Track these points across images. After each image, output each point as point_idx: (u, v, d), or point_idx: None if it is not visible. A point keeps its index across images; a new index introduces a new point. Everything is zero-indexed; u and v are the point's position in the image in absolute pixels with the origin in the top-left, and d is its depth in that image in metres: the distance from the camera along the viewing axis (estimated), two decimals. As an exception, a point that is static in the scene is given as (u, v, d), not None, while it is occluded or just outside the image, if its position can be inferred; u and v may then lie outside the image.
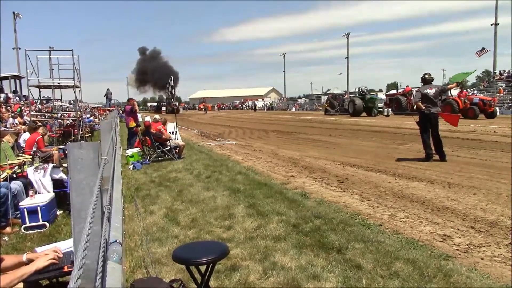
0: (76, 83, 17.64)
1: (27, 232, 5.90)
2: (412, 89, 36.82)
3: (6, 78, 32.37)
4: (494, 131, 17.15)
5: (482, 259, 4.31)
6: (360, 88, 39.74)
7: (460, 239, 4.88)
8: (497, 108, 29.79)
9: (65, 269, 2.55)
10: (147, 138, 12.58)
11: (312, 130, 21.96)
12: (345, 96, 46.79)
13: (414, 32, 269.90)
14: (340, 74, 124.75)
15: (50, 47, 20.68)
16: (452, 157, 10.51)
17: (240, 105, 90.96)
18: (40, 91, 19.92)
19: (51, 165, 7.44)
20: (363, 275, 3.90)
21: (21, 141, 11.35)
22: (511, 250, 4.51)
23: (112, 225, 2.65)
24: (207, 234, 5.39)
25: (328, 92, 61.99)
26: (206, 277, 3.01)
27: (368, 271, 3.99)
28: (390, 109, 35.08)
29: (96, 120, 30.10)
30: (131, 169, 10.99)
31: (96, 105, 51.66)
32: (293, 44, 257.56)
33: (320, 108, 57.52)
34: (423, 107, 10.01)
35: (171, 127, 14.81)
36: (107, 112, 37.38)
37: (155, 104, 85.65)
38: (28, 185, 6.84)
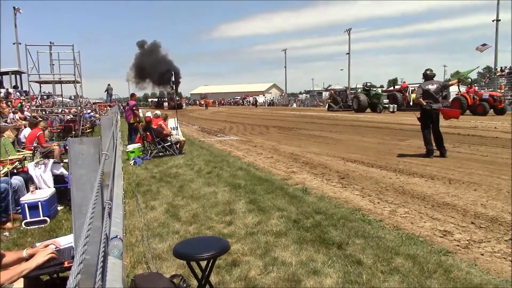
0: (76, 79, 17.62)
1: (28, 227, 5.91)
2: (409, 85, 36.69)
3: (6, 73, 32.29)
4: (495, 127, 17.12)
5: (482, 254, 4.32)
6: (365, 84, 38.88)
7: (460, 235, 4.88)
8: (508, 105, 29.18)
9: (66, 264, 2.55)
10: (148, 133, 12.58)
11: (313, 126, 21.95)
12: (348, 92, 46.48)
13: (415, 28, 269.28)
14: (342, 70, 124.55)
15: (50, 42, 20.65)
16: (452, 153, 10.51)
17: (241, 101, 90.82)
18: (40, 86, 19.88)
19: (51, 160, 7.44)
20: (364, 270, 3.91)
21: (22, 136, 11.35)
22: (512, 246, 4.52)
23: (113, 221, 2.64)
24: (207, 229, 5.39)
25: (329, 88, 61.86)
26: (206, 273, 3.02)
27: (369, 266, 4.00)
28: (395, 105, 34.30)
29: (97, 115, 30.11)
30: (132, 164, 10.99)
31: (97, 101, 51.57)
32: (294, 40, 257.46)
33: (321, 104, 57.45)
34: (425, 103, 9.99)
35: (172, 122, 14.81)
36: (108, 108, 37.36)
37: (156, 99, 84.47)
38: (28, 181, 6.85)
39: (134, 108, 15.11)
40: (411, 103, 33.41)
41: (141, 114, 15.87)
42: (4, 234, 5.67)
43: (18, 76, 33.41)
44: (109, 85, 45.55)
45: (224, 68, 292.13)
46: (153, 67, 76.87)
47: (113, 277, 1.80)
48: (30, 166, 7.08)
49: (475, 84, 30.63)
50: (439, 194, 6.72)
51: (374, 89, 38.01)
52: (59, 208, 6.72)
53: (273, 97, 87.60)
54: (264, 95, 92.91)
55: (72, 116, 20.40)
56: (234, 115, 40.80)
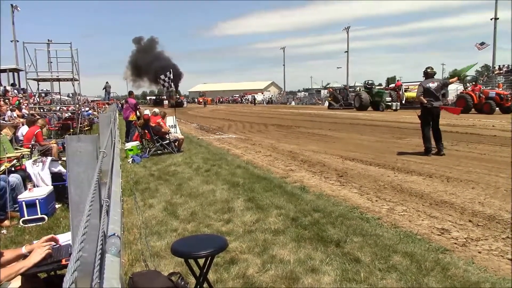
0: (74, 76, 17.60)
1: (26, 225, 5.90)
2: (403, 84, 36.54)
3: (4, 71, 32.25)
4: (493, 126, 17.14)
5: (479, 252, 4.33)
6: (366, 82, 38.32)
7: (458, 233, 4.89)
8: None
9: (63, 262, 2.55)
10: (146, 131, 12.57)
11: (311, 124, 21.94)
12: (347, 90, 46.15)
13: (413, 27, 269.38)
14: (339, 68, 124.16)
15: (48, 40, 20.59)
16: (450, 151, 10.52)
17: (239, 99, 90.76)
18: (38, 84, 19.85)
19: (49, 158, 7.43)
20: (361, 268, 3.91)
21: (19, 134, 11.33)
22: (511, 243, 4.52)
23: (111, 218, 2.64)
24: (206, 227, 5.40)
25: (328, 86, 61.79)
26: (204, 270, 3.02)
27: (367, 264, 4.00)
28: (398, 103, 33.65)
29: (95, 113, 30.06)
30: (130, 162, 10.99)
31: (95, 99, 51.48)
32: (293, 38, 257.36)
33: (320, 102, 57.44)
34: (426, 101, 9.99)
35: (170, 120, 14.79)
36: (106, 106, 37.30)
37: (154, 97, 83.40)
38: (26, 178, 6.84)
39: (138, 106, 15.20)
40: (403, 101, 33.35)
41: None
42: (2, 232, 5.66)
43: (16, 74, 33.38)
44: (107, 83, 45.59)
45: (223, 66, 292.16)
46: (150, 64, 74.75)
47: (111, 274, 1.80)
48: (28, 164, 7.07)
49: (473, 83, 30.49)
50: (437, 192, 6.73)
51: (376, 87, 37.47)
52: (57, 206, 6.71)
53: (272, 95, 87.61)
54: (262, 93, 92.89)
55: (70, 114, 20.40)
56: (232, 113, 40.77)
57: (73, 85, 18.25)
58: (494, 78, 40.59)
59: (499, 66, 43.43)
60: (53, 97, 27.45)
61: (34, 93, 21.16)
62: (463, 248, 4.44)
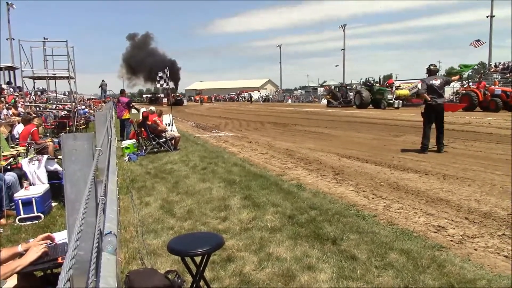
0: (70, 74, 17.56)
1: (22, 223, 5.88)
2: (394, 82, 36.37)
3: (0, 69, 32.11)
4: (489, 123, 17.20)
5: (475, 249, 4.35)
6: (367, 79, 37.37)
7: (454, 230, 4.91)
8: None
9: (59, 260, 2.54)
10: (143, 129, 12.54)
11: (308, 122, 21.97)
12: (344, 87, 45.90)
13: (410, 24, 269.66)
14: (336, 66, 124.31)
15: (44, 38, 20.52)
16: (447, 148, 10.55)
17: (236, 97, 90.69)
18: (34, 82, 19.81)
19: (45, 156, 7.41)
20: (358, 265, 3.92)
21: (15, 132, 11.28)
22: (511, 241, 4.54)
23: (107, 217, 2.64)
24: (202, 225, 5.39)
25: (325, 84, 61.85)
26: (201, 268, 3.02)
27: (363, 261, 4.01)
28: (400, 101, 33.09)
29: (91, 111, 29.95)
30: (126, 160, 10.97)
31: (91, 97, 51.29)
32: (289, 36, 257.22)
33: (316, 100, 57.45)
34: (429, 98, 10.00)
35: (166, 118, 14.78)
36: (102, 104, 37.18)
37: (149, 95, 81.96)
38: (22, 177, 6.81)
39: (131, 104, 15.15)
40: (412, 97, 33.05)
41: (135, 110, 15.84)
42: (-2, 230, 5.64)
43: (11, 72, 33.24)
44: (103, 81, 45.21)
45: (219, 64, 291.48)
46: (145, 61, 72.62)
47: (107, 273, 1.80)
48: (24, 162, 7.04)
49: (470, 80, 30.53)
50: (433, 189, 6.75)
51: (377, 84, 36.82)
52: (53, 204, 6.69)
53: (268, 93, 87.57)
54: (259, 91, 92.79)
55: (66, 112, 20.33)
56: (229, 111, 40.75)
57: (69, 83, 18.23)
58: (490, 75, 40.70)
59: (495, 63, 43.55)
60: (49, 95, 27.35)
61: (30, 91, 21.12)
62: (459, 245, 4.46)
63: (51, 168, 7.25)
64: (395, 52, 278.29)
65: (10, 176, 6.43)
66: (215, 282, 3.76)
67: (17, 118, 14.54)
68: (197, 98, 77.87)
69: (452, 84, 28.05)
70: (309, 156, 10.51)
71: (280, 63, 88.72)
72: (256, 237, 4.79)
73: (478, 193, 6.41)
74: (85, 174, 1.97)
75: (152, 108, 14.10)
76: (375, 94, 34.38)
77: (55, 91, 23.66)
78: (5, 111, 16.46)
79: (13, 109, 17.47)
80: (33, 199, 6.00)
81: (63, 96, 29.14)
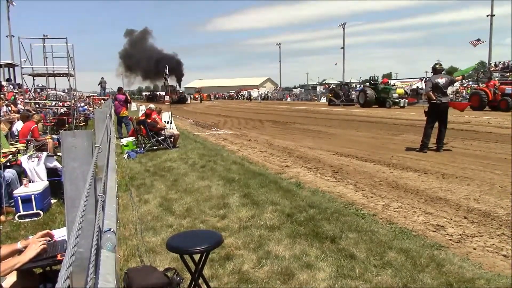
0: (70, 72, 17.54)
1: (21, 220, 5.88)
2: (389, 81, 36.09)
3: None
4: (489, 122, 17.21)
5: (474, 249, 4.35)
6: (371, 78, 36.18)
7: (453, 229, 4.91)
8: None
9: (59, 257, 2.54)
10: (142, 127, 12.54)
11: (307, 120, 21.95)
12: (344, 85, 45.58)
13: (409, 22, 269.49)
14: (336, 64, 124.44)
15: (44, 35, 20.47)
16: (446, 147, 10.55)
17: (235, 95, 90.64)
18: (34, 79, 19.78)
19: (45, 153, 7.40)
20: (356, 264, 3.93)
21: (14, 130, 11.27)
22: (510, 240, 4.55)
23: (106, 214, 2.65)
24: (201, 223, 5.40)
25: (324, 82, 61.78)
26: (200, 266, 3.02)
27: (362, 260, 4.02)
28: (406, 100, 32.29)
29: (91, 109, 29.92)
30: (125, 158, 10.96)
31: (91, 94, 51.21)
32: (289, 34, 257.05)
33: (316, 98, 57.37)
34: (434, 97, 9.97)
35: (166, 116, 14.78)
36: (102, 101, 37.11)
37: (148, 93, 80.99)
38: (22, 174, 6.81)
39: (129, 100, 15.12)
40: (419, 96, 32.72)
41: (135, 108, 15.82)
42: (-3, 227, 5.64)
43: (11, 69, 33.13)
44: (102, 78, 45.15)
45: (219, 62, 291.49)
46: (145, 57, 71.45)
47: (106, 270, 1.80)
48: (23, 159, 7.03)
49: (469, 79, 30.52)
50: (432, 188, 6.75)
51: (380, 83, 36.21)
52: (52, 201, 6.69)
53: (268, 91, 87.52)
54: (258, 89, 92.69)
55: (65, 110, 20.29)
56: (228, 109, 40.72)
57: (69, 81, 18.24)
58: (490, 74, 40.70)
59: (495, 62, 43.56)
60: (48, 92, 27.32)
61: (30, 89, 21.07)
62: (458, 245, 4.46)
63: (51, 165, 7.25)
64: (394, 50, 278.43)
65: (10, 173, 6.43)
66: (214, 280, 3.76)
67: (17, 115, 14.51)
68: (196, 96, 77.67)
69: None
70: (308, 155, 10.51)
71: (280, 61, 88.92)
72: (254, 235, 4.80)
73: (477, 192, 6.42)
74: (85, 171, 1.97)
75: (152, 105, 14.08)
76: (380, 93, 33.56)
77: (55, 88, 23.67)
78: (4, 108, 16.43)
79: (12, 106, 17.44)
80: (33, 196, 6.00)
81: (62, 94, 29.13)
